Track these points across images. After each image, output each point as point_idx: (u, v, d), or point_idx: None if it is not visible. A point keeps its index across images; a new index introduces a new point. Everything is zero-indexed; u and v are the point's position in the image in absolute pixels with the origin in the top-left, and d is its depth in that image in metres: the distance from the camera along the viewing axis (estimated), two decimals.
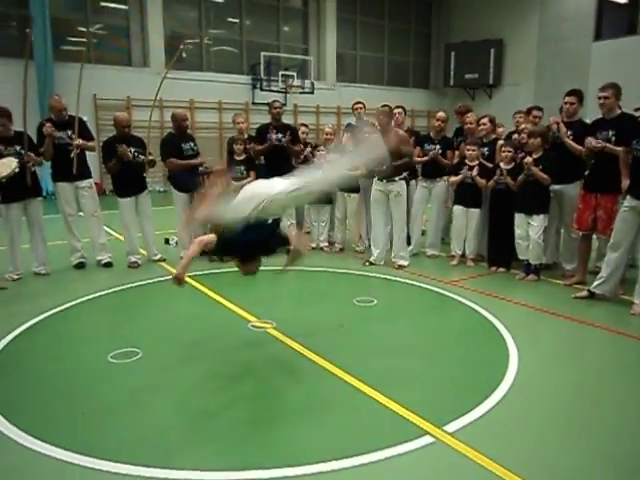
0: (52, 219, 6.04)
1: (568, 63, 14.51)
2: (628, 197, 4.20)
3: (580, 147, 4.72)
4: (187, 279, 5.18)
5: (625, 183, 4.31)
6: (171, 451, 2.40)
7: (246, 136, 6.36)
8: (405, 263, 5.64)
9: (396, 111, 6.53)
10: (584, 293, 4.57)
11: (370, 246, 6.61)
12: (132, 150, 5.46)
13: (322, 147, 6.39)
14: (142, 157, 5.55)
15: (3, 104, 5.14)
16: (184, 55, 13.30)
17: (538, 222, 5.00)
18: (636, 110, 5.44)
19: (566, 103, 5.02)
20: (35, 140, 5.28)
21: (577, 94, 5.01)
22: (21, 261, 5.22)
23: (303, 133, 6.72)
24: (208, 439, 2.51)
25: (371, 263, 5.76)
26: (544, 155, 4.98)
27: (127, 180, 5.54)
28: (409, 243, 6.11)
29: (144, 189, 5.72)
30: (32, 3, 11.12)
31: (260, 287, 5.24)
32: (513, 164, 5.25)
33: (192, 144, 5.93)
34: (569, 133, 4.89)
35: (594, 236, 4.91)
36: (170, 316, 4.31)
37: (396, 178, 5.51)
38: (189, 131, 6.14)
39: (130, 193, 5.59)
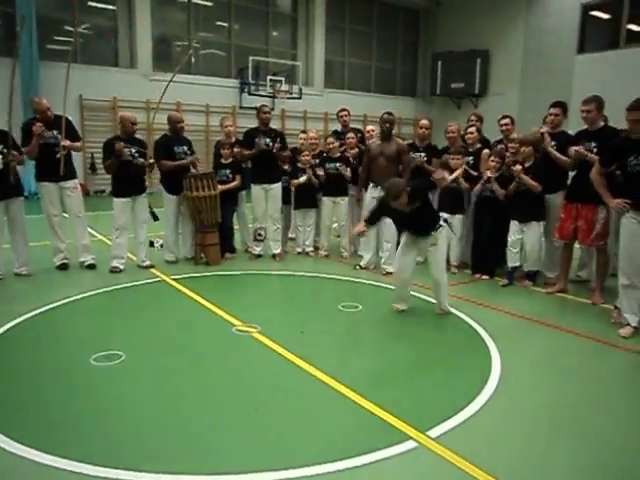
0: (34, 219, 5.96)
1: (552, 75, 14.76)
2: (631, 212, 3.87)
3: (564, 157, 4.80)
4: (173, 282, 5.18)
5: (615, 202, 3.96)
6: (153, 455, 2.38)
7: (233, 140, 6.36)
8: (393, 270, 5.66)
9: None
10: (628, 330, 3.98)
11: (356, 252, 6.66)
12: (132, 151, 5.39)
13: (306, 152, 6.40)
14: (140, 160, 5.47)
15: None
16: (190, 54, 13.26)
17: (532, 229, 5.08)
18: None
19: (551, 114, 5.11)
20: (20, 139, 5.22)
21: (562, 106, 5.11)
22: (2, 262, 5.14)
23: (302, 140, 6.67)
24: (190, 444, 2.50)
25: (361, 267, 5.79)
26: (534, 164, 5.07)
27: (126, 180, 5.42)
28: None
29: (143, 191, 5.62)
30: (18, 1, 11.00)
31: (245, 291, 5.24)
32: (499, 173, 5.33)
33: (186, 147, 5.90)
34: (553, 143, 4.98)
35: (576, 245, 4.99)
36: (154, 319, 4.28)
37: None
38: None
39: (127, 193, 5.47)
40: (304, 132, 7.09)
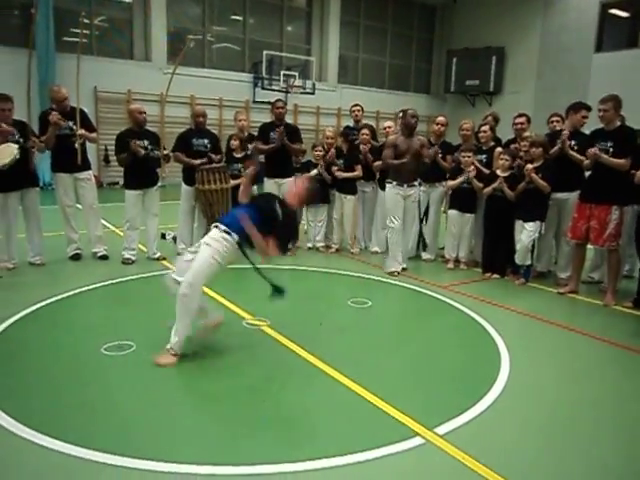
0: (48, 210, 6.03)
1: (569, 73, 14.60)
2: None
3: (582, 158, 4.76)
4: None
5: None
6: (163, 445, 2.41)
7: (246, 134, 6.37)
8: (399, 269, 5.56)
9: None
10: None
11: (367, 248, 6.66)
12: (146, 144, 5.41)
13: (319, 147, 6.39)
14: (157, 152, 5.51)
15: (2, 92, 5.13)
16: (191, 45, 13.29)
17: (532, 228, 5.06)
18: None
19: (584, 117, 5.10)
20: (37, 130, 5.27)
21: (589, 109, 5.11)
22: (16, 251, 5.20)
23: (327, 138, 6.45)
24: (200, 434, 2.52)
25: (399, 273, 5.52)
26: (544, 164, 5.03)
27: (138, 172, 5.44)
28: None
29: (154, 184, 5.65)
30: None
31: (256, 285, 5.24)
32: (509, 172, 5.29)
33: (206, 141, 5.89)
34: (573, 143, 4.95)
35: (589, 246, 4.95)
36: (165, 310, 4.28)
37: (415, 183, 5.47)
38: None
39: (139, 186, 5.50)
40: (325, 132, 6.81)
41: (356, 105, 6.90)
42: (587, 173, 4.88)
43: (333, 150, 6.27)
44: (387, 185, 5.52)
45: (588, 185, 4.79)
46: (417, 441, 2.48)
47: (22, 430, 2.47)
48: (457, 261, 5.89)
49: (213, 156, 5.88)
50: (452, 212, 5.77)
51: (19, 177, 4.94)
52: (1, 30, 11.54)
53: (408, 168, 5.36)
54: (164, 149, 5.64)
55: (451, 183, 5.74)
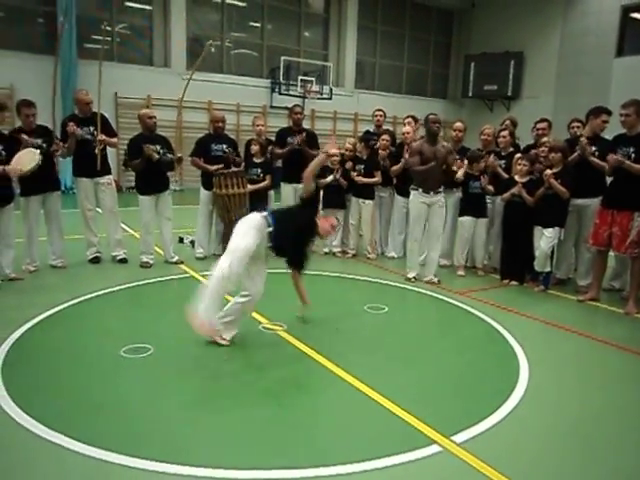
0: (69, 213, 6.12)
1: (589, 78, 14.41)
2: None
3: (603, 164, 4.70)
4: (200, 278, 5.26)
5: None
6: (178, 447, 2.42)
7: (264, 139, 6.41)
8: (435, 280, 5.42)
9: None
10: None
11: (383, 253, 6.64)
12: (158, 148, 5.48)
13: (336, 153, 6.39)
14: (169, 155, 5.57)
15: (27, 98, 5.23)
16: (213, 50, 13.45)
17: (551, 234, 5.00)
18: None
19: (604, 122, 5.01)
20: (59, 135, 5.37)
21: (610, 113, 5.03)
22: (38, 254, 5.29)
23: (347, 150, 6.39)
24: (216, 437, 2.53)
25: (415, 279, 5.48)
26: (563, 169, 4.97)
27: (150, 177, 5.51)
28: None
29: (167, 188, 5.71)
30: (59, 0, 11.30)
31: (272, 290, 5.26)
32: (528, 178, 5.24)
33: (225, 146, 5.94)
34: (594, 149, 4.88)
35: (611, 253, 4.87)
36: (182, 314, 4.32)
37: (440, 189, 5.35)
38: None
39: (152, 191, 5.57)
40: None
41: (379, 110, 6.90)
42: (609, 179, 4.81)
43: (350, 163, 6.27)
44: (412, 192, 5.39)
45: (610, 191, 4.72)
46: (434, 449, 2.46)
47: (38, 428, 2.51)
48: (474, 267, 5.85)
49: (235, 158, 5.90)
50: (466, 219, 5.70)
51: (41, 181, 5.03)
52: (25, 37, 11.79)
53: (434, 175, 5.26)
54: (178, 154, 5.69)
55: (458, 175, 5.59)
